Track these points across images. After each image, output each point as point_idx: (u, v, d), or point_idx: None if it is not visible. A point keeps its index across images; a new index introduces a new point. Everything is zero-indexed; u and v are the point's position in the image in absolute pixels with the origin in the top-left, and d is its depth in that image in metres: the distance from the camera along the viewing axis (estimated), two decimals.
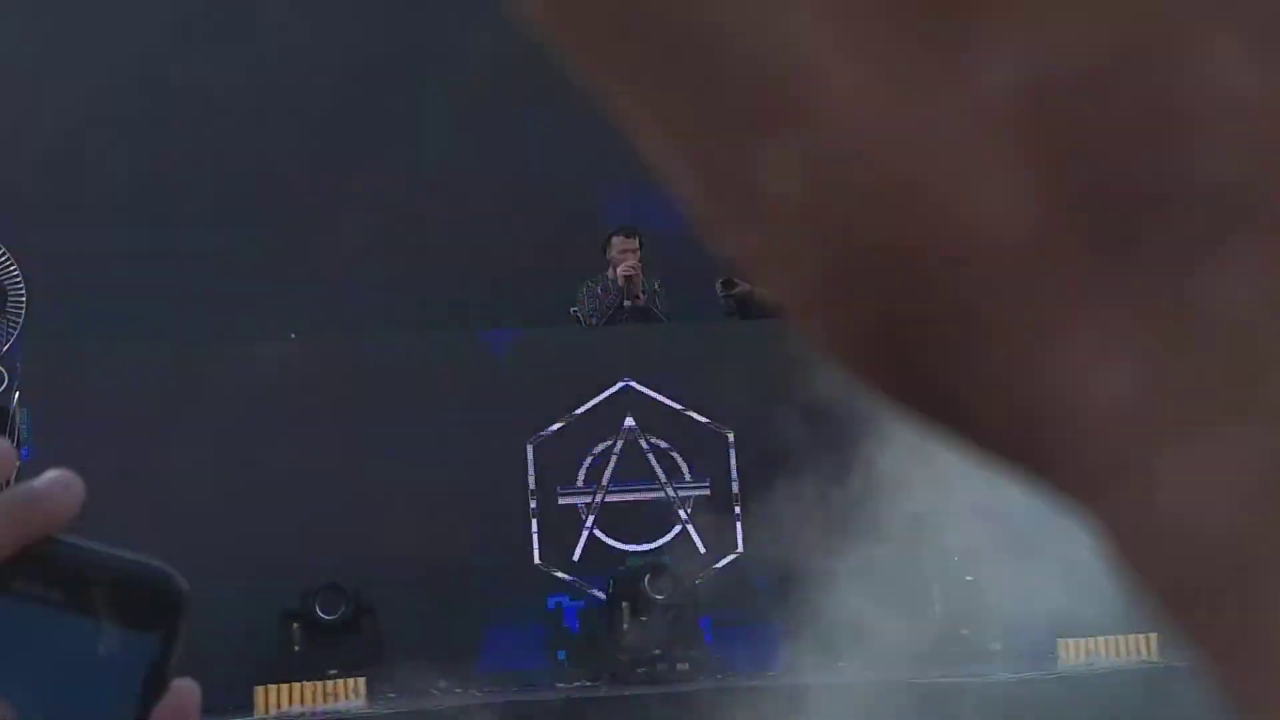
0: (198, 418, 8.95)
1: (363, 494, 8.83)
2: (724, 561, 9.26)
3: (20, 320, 9.75)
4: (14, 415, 9.03)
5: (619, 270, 10.39)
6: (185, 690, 0.69)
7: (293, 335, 9.85)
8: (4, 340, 9.69)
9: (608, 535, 9.21)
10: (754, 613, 9.05)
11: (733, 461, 9.39)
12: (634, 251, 10.49)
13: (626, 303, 10.40)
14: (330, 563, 8.53)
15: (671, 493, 9.34)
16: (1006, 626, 8.69)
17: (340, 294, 11.11)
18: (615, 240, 10.55)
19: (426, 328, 10.79)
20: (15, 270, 9.72)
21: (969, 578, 9.01)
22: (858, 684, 8.24)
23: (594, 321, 10.48)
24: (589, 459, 9.28)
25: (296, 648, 8.34)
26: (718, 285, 10.80)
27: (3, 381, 9.47)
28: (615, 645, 8.70)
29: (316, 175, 12.10)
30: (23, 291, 9.75)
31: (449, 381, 9.50)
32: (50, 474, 0.67)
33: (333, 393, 9.28)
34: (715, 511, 9.33)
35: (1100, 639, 8.68)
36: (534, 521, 9.13)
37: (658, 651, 8.59)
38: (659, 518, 9.32)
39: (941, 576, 9.13)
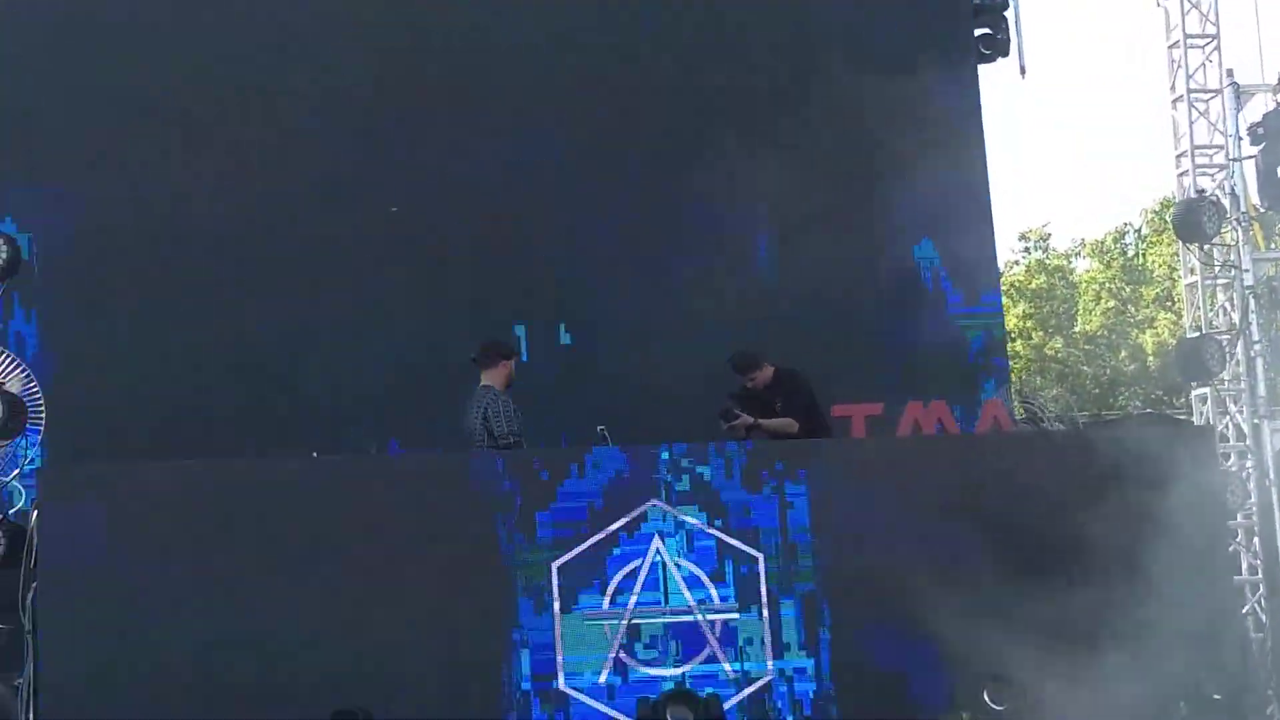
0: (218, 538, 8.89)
1: (398, 621, 8.78)
2: (753, 686, 9.04)
3: (40, 432, 9.74)
4: (31, 535, 8.84)
5: None
6: None
7: (315, 454, 9.94)
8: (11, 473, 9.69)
9: (634, 659, 9.00)
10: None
11: (762, 584, 9.19)
12: None
13: None
14: (356, 695, 8.50)
15: (700, 615, 9.12)
16: None
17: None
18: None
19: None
20: (35, 387, 9.69)
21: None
22: None
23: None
24: (616, 580, 9.08)
25: None
26: (719, 415, 10.74)
27: (21, 497, 9.43)
28: None
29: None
30: (41, 405, 9.71)
31: (477, 500, 9.32)
32: None
33: (362, 512, 9.19)
34: (745, 638, 9.13)
35: None
36: (559, 644, 8.95)
37: None
38: (690, 642, 9.10)
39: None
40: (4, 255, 9.25)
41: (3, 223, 10.56)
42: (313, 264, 12.41)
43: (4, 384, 9.50)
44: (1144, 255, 21.80)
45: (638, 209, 13.05)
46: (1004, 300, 15.10)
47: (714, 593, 9.13)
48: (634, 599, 9.06)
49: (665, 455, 9.57)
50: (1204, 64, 14.52)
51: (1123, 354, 21.16)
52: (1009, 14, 14.07)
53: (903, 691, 9.07)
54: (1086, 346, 21.52)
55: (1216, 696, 9.30)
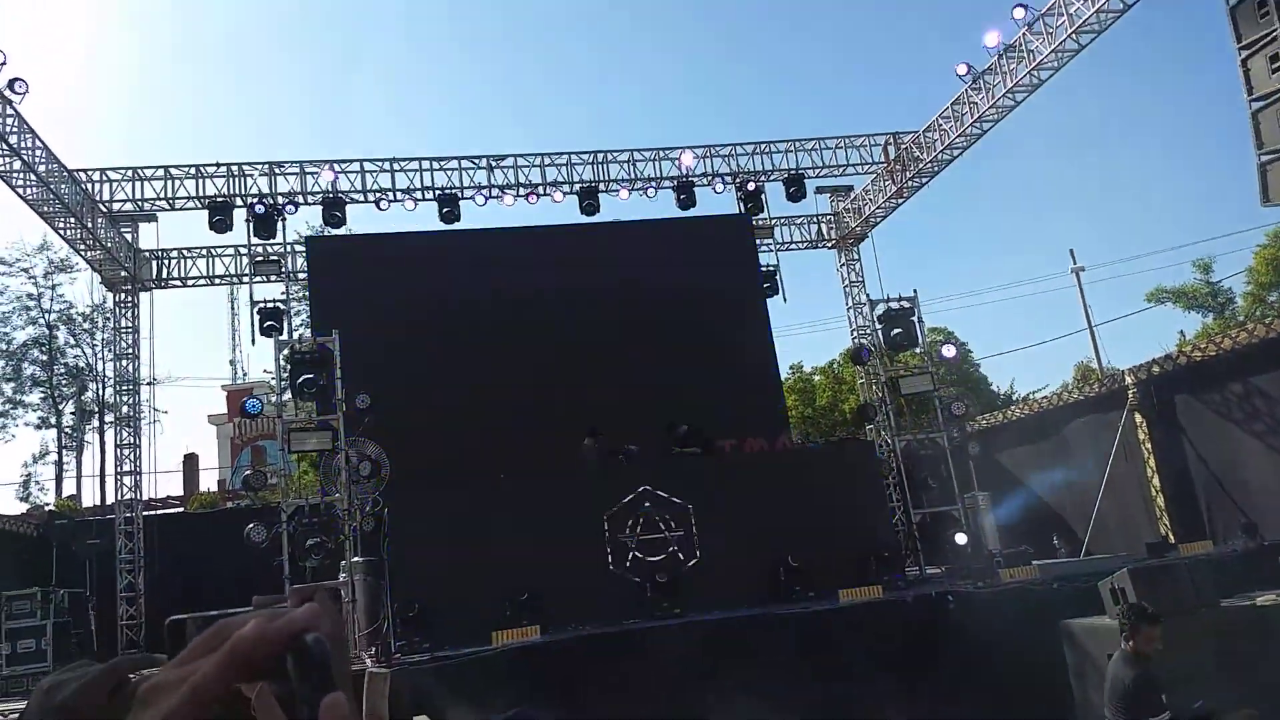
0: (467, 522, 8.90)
1: (539, 545, 8.66)
2: (690, 564, 9.10)
3: (386, 481, 9.60)
4: (385, 518, 8.91)
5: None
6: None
7: (502, 475, 9.59)
8: (375, 492, 9.53)
9: (641, 553, 9.06)
10: (705, 586, 8.88)
11: (693, 521, 9.25)
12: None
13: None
14: (525, 578, 8.40)
15: (667, 535, 9.19)
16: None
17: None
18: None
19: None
20: (384, 456, 9.62)
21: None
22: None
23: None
24: (631, 520, 9.14)
25: (508, 613, 8.17)
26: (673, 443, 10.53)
27: (379, 504, 9.29)
28: (647, 599, 8.54)
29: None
30: (387, 466, 9.65)
31: (580, 488, 9.43)
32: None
33: (524, 504, 9.18)
34: (686, 543, 9.18)
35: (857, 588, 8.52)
36: (608, 548, 9.00)
37: (665, 604, 8.44)
38: (662, 546, 9.12)
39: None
40: (370, 467, 9.29)
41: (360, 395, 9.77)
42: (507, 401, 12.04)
43: (372, 456, 9.43)
44: (844, 370, 21.94)
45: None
46: (785, 393, 15.19)
47: (672, 523, 9.19)
48: (640, 527, 9.09)
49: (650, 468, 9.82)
50: (854, 291, 15.16)
51: (835, 413, 21.29)
52: (778, 276, 14.17)
53: (734, 563, 9.06)
54: (821, 411, 21.55)
55: (886, 554, 9.08)
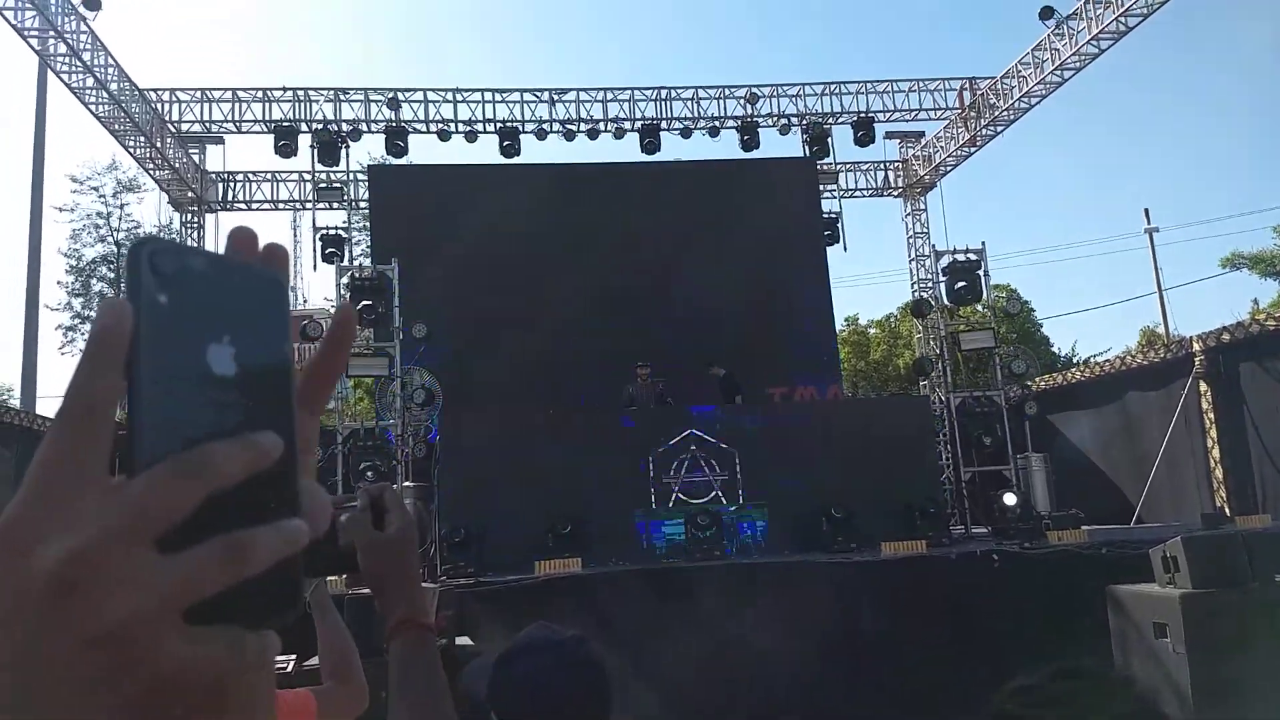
0: (515, 445, 9.09)
1: (583, 479, 8.79)
2: (733, 508, 9.07)
3: (439, 408, 9.80)
4: (436, 447, 9.17)
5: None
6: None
7: (550, 410, 9.72)
8: (431, 418, 9.72)
9: (684, 494, 9.11)
10: (748, 530, 8.89)
11: (738, 464, 9.25)
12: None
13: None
14: (568, 511, 8.53)
15: (711, 478, 9.23)
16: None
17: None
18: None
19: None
20: (437, 385, 9.80)
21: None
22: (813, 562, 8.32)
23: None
24: (676, 461, 9.19)
25: (551, 544, 8.32)
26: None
27: (430, 432, 9.51)
28: (686, 544, 8.61)
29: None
30: (440, 395, 9.82)
31: (627, 432, 9.53)
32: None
33: (571, 439, 9.28)
34: (730, 487, 9.19)
35: (900, 542, 8.49)
36: (651, 488, 9.07)
37: (706, 546, 8.46)
38: (706, 490, 9.17)
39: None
40: (424, 395, 9.41)
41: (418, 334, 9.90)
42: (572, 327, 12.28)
43: (426, 384, 9.63)
44: (900, 324, 21.67)
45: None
46: (838, 345, 15.04)
47: (716, 467, 9.21)
48: (684, 470, 9.13)
49: (697, 410, 9.79)
50: (918, 242, 14.82)
51: (889, 368, 21.11)
52: (839, 223, 13.95)
53: (786, 506, 9.07)
54: (874, 365, 21.45)
55: (932, 510, 9.11)
